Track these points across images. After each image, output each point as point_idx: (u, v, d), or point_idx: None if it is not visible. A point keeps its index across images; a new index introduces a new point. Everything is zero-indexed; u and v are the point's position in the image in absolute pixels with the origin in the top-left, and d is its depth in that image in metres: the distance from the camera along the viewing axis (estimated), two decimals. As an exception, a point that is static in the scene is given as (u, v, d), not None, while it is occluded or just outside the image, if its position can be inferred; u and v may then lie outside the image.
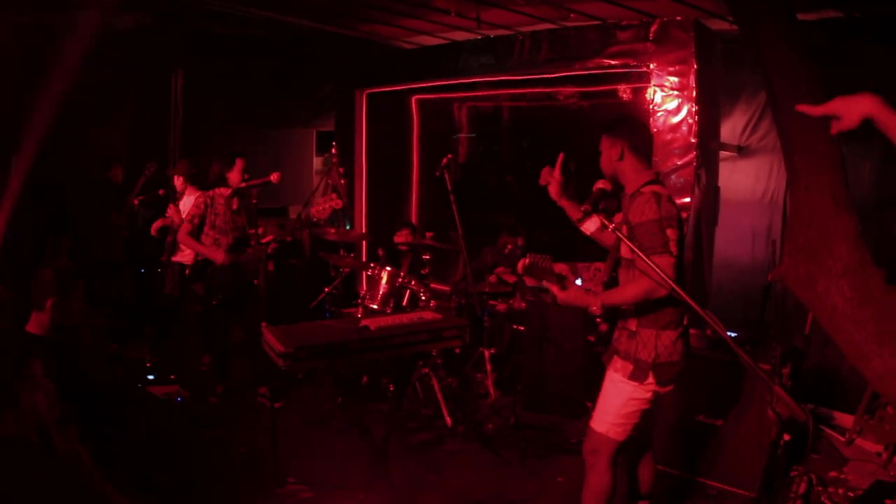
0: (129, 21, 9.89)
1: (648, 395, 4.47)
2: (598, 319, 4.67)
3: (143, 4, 9.65)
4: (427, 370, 7.53)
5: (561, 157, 5.05)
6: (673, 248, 4.25)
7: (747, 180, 8.55)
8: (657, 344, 4.41)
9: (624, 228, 4.41)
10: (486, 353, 8.11)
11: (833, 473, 5.87)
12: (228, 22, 10.36)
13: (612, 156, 4.60)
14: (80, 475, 4.00)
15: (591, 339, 4.85)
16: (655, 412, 4.94)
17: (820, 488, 5.54)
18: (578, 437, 5.74)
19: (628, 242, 3.94)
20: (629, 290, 4.38)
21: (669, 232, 4.25)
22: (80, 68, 8.44)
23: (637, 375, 4.42)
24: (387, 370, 7.79)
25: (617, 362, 4.56)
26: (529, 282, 4.79)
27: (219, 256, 7.59)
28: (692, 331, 6.27)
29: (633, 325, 4.50)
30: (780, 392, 2.97)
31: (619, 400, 4.52)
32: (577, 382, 7.55)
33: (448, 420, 7.22)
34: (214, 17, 10.08)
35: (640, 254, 3.83)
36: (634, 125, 4.76)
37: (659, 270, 3.65)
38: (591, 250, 5.20)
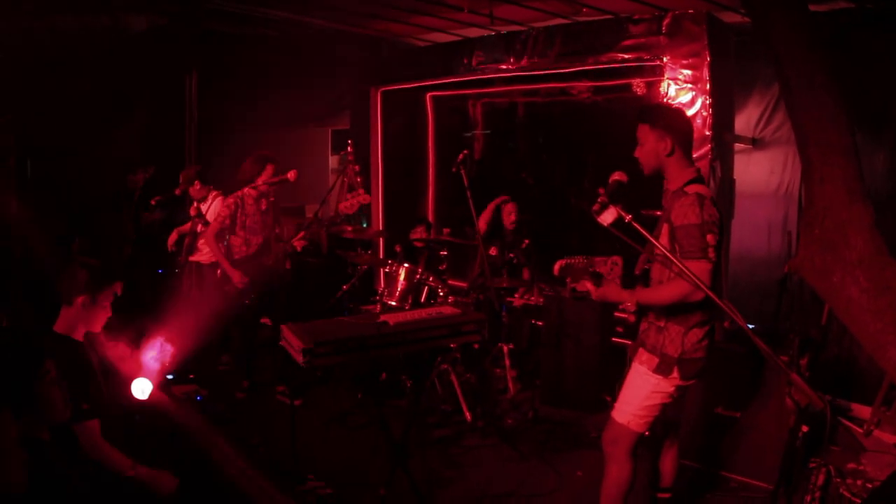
0: (142, 23, 9.94)
1: (671, 389, 4.48)
2: (626, 315, 4.68)
3: (155, 6, 9.70)
4: (446, 366, 7.55)
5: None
6: (712, 253, 4.22)
7: (762, 172, 8.55)
8: (684, 340, 4.42)
9: (665, 227, 4.43)
10: (505, 349, 8.12)
11: (851, 465, 5.86)
12: (241, 22, 10.40)
13: (660, 150, 4.54)
14: (104, 472, 4.05)
15: (620, 329, 4.86)
16: (681, 406, 4.97)
17: (838, 480, 5.54)
18: (597, 431, 5.75)
19: (647, 235, 3.89)
20: (666, 292, 4.37)
21: (710, 237, 4.24)
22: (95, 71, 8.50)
23: (662, 369, 4.44)
24: (406, 367, 7.83)
25: (643, 355, 4.57)
26: (569, 281, 4.75)
27: (235, 277, 7.65)
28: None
29: (662, 320, 4.50)
30: (798, 380, 2.98)
31: (642, 392, 4.54)
32: (596, 377, 7.57)
33: (467, 415, 7.25)
34: (227, 18, 10.12)
35: (664, 250, 3.84)
36: (682, 118, 4.69)
37: (693, 274, 3.66)
38: (609, 244, 5.19)
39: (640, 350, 4.61)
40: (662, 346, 4.47)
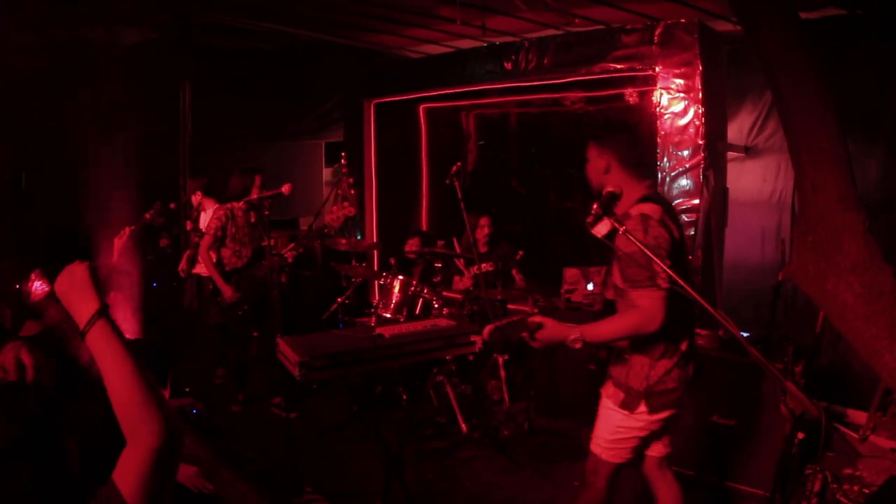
0: (135, 36, 9.94)
1: (640, 424, 4.27)
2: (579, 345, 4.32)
3: (147, 19, 9.70)
4: (441, 378, 7.55)
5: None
6: (661, 281, 3.92)
7: (755, 181, 8.55)
8: (650, 374, 4.19)
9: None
10: (500, 360, 8.11)
11: (848, 470, 5.87)
12: (234, 35, 10.40)
13: (599, 168, 4.41)
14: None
15: (592, 367, 4.68)
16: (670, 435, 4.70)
17: (835, 486, 5.55)
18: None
19: (640, 245, 3.58)
20: (614, 325, 4.15)
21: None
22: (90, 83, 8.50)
23: (628, 404, 4.24)
24: (401, 379, 7.82)
25: (609, 388, 4.39)
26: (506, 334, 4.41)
27: (227, 292, 7.70)
28: (704, 332, 6.30)
29: (626, 352, 4.29)
30: (792, 388, 2.96)
31: (609, 426, 4.35)
32: (589, 387, 7.55)
33: (463, 427, 7.25)
34: (220, 31, 10.13)
35: (654, 257, 3.57)
36: (626, 135, 4.53)
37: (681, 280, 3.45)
38: (602, 255, 5.17)
39: (608, 382, 4.43)
40: (626, 379, 4.27)
